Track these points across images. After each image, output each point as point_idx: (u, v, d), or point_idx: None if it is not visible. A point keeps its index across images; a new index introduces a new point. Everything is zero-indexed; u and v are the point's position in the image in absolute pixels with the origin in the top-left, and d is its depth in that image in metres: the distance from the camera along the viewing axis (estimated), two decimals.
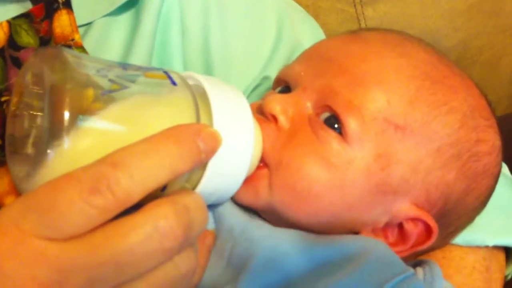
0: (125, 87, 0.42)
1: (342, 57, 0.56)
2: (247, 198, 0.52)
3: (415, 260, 0.57)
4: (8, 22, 0.56)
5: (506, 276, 0.67)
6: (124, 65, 0.44)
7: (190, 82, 0.46)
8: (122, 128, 0.40)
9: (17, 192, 0.57)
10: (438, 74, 0.56)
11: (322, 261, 0.48)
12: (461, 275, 0.62)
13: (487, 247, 0.64)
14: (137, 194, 0.37)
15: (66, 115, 0.37)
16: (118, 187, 0.36)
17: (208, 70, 0.67)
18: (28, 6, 0.60)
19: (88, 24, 0.63)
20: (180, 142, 0.39)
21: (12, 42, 0.56)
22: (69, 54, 0.40)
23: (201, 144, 0.40)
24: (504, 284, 0.66)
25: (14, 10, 0.59)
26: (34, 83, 0.40)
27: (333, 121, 0.53)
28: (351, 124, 0.52)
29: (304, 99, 0.55)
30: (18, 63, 0.56)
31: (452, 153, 0.54)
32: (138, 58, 0.62)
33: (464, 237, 0.63)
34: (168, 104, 0.43)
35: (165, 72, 0.44)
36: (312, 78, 0.56)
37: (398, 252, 0.53)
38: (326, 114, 0.53)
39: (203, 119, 0.44)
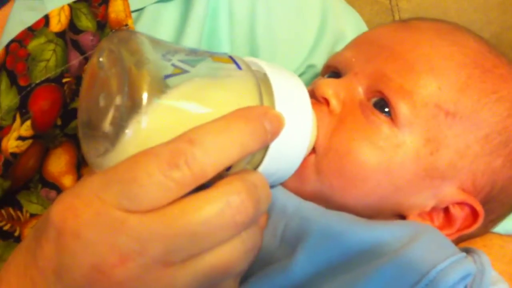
0: (187, 71, 0.43)
1: (393, 44, 0.57)
2: (294, 184, 0.53)
3: (462, 248, 0.58)
4: (69, 6, 0.57)
5: None
6: (191, 50, 0.45)
7: (252, 67, 0.47)
8: (194, 108, 0.42)
9: (75, 172, 0.59)
10: (488, 63, 0.57)
11: (375, 242, 0.49)
12: (501, 263, 0.63)
13: None
14: (211, 170, 0.38)
15: (145, 95, 0.39)
16: (194, 162, 0.37)
17: (253, 57, 0.69)
18: None
19: (140, 9, 0.64)
20: (249, 122, 0.40)
21: (72, 25, 0.57)
22: (143, 37, 0.42)
23: (267, 125, 0.42)
24: None
25: None
26: (111, 65, 0.42)
27: (383, 105, 0.54)
28: (402, 108, 0.53)
29: (355, 84, 0.56)
30: (77, 46, 0.58)
31: (500, 140, 0.55)
32: (188, 44, 0.64)
33: (504, 226, 0.63)
34: (233, 87, 0.44)
35: (230, 57, 0.46)
36: (363, 63, 0.57)
37: None
38: (376, 99, 0.55)
39: (266, 102, 0.45)
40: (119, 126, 0.39)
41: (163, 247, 0.37)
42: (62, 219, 0.38)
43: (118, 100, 0.40)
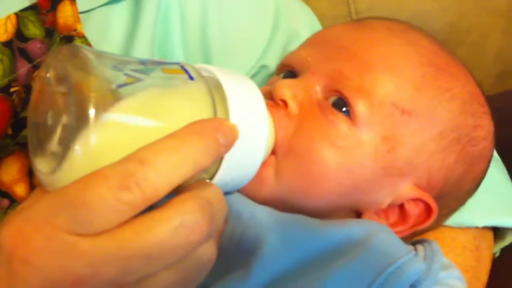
0: (140, 80, 0.42)
1: (350, 43, 0.57)
2: (252, 187, 0.52)
3: (414, 240, 0.59)
4: (16, 14, 0.56)
5: (494, 254, 0.70)
6: (141, 61, 0.44)
7: (204, 73, 0.47)
8: (145, 122, 0.41)
9: (27, 180, 0.58)
10: (441, 62, 0.58)
11: (330, 246, 0.50)
12: (453, 254, 0.65)
13: (476, 227, 0.67)
14: (163, 190, 0.38)
15: (92, 112, 0.38)
16: (146, 184, 0.37)
17: (207, 59, 0.68)
18: None
19: (87, 12, 0.63)
20: (202, 137, 0.40)
21: (19, 33, 0.56)
22: (89, 52, 0.41)
23: (221, 138, 0.41)
24: (492, 261, 0.69)
25: (19, 2, 0.59)
26: (57, 81, 0.41)
27: (342, 104, 0.54)
28: (360, 107, 0.54)
29: (313, 83, 0.56)
30: (25, 54, 0.57)
31: (453, 137, 0.56)
32: (140, 48, 0.63)
33: (455, 219, 0.65)
34: (186, 97, 0.44)
35: (182, 67, 0.45)
36: (320, 62, 0.57)
37: (398, 232, 0.55)
38: (334, 98, 0.55)
39: (219, 111, 0.45)
40: (67, 146, 0.39)
41: (117, 269, 0.37)
42: (12, 245, 0.37)
43: (65, 119, 0.39)
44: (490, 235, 0.69)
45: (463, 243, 0.66)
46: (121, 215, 0.37)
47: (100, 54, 0.42)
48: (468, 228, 0.66)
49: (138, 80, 0.42)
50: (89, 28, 0.62)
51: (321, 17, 0.80)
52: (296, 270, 0.49)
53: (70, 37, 0.59)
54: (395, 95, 0.55)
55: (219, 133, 0.41)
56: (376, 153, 0.54)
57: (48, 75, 0.42)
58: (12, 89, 0.56)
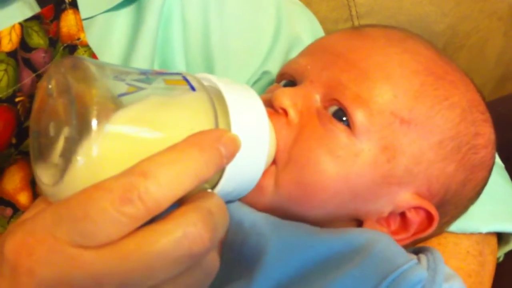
0: (142, 89, 0.42)
1: (348, 52, 0.57)
2: (252, 197, 0.53)
3: (416, 247, 0.59)
4: (20, 24, 0.56)
5: (497, 258, 0.70)
6: (142, 71, 0.45)
7: (205, 83, 0.47)
8: (147, 133, 0.41)
9: (30, 189, 0.58)
10: (439, 70, 0.58)
11: (331, 253, 0.50)
12: (456, 259, 0.65)
13: (480, 233, 0.67)
14: (165, 202, 0.38)
15: (94, 124, 0.38)
16: (148, 197, 0.37)
17: (208, 65, 0.69)
18: (34, 6, 0.60)
19: (90, 18, 0.63)
20: (203, 149, 0.40)
21: (23, 43, 0.57)
22: (90, 63, 0.41)
23: (222, 150, 0.41)
24: (496, 266, 0.69)
25: (20, 11, 0.59)
26: (58, 93, 0.41)
27: (341, 114, 0.54)
28: (358, 117, 0.54)
29: (312, 92, 0.56)
30: (29, 64, 0.57)
31: (453, 146, 0.56)
32: (141, 54, 0.63)
33: (458, 225, 0.65)
34: (188, 108, 0.44)
35: (183, 77, 0.45)
36: (319, 71, 0.57)
37: (400, 240, 0.56)
38: (334, 108, 0.55)
39: (221, 122, 0.45)
40: (69, 157, 0.39)
41: (119, 281, 0.37)
42: (16, 257, 0.37)
43: (66, 131, 0.39)
44: (493, 240, 0.69)
45: (466, 248, 0.66)
46: (123, 228, 0.37)
47: (101, 66, 0.42)
48: (472, 233, 0.66)
49: (140, 89, 0.42)
50: (92, 34, 0.62)
51: (322, 21, 0.80)
52: (298, 278, 0.50)
53: (73, 46, 0.60)
54: (393, 104, 0.55)
55: (220, 145, 0.41)
56: (375, 162, 0.54)
57: (50, 86, 0.42)
58: (16, 99, 0.56)
